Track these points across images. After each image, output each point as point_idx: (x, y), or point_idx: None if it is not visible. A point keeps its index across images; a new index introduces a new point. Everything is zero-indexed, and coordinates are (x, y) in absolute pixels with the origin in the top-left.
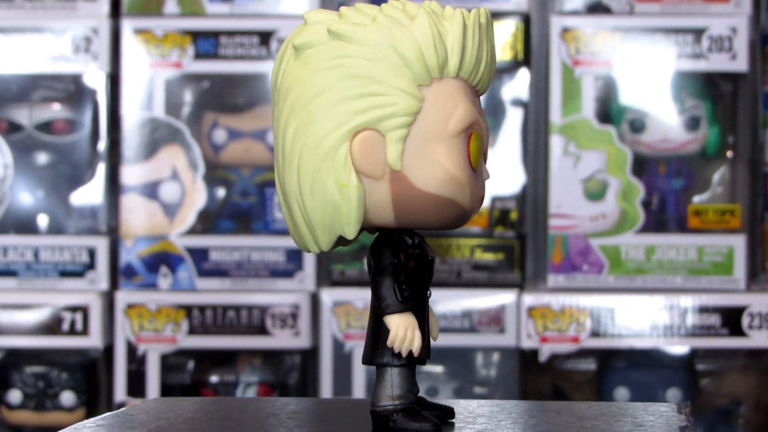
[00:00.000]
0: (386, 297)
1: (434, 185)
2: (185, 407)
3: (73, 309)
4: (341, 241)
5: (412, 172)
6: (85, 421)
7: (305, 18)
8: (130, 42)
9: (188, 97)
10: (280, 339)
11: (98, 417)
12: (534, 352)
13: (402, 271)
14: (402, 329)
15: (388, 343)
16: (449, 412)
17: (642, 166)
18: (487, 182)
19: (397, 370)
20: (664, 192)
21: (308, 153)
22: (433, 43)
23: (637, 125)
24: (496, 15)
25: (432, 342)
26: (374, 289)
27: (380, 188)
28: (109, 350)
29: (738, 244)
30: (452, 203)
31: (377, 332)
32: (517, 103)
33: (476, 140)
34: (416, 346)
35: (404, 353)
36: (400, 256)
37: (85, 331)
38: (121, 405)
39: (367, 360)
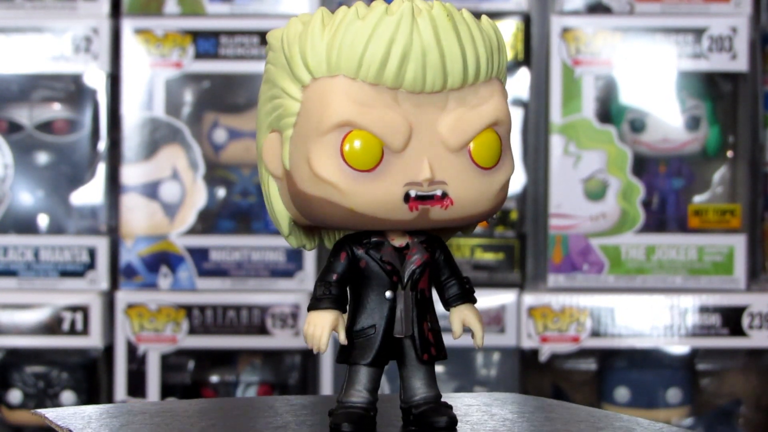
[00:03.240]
0: (312, 294)
1: (306, 184)
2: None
3: (74, 309)
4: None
5: (294, 171)
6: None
7: None
8: (130, 42)
9: (188, 97)
10: (280, 339)
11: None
12: (534, 352)
13: (336, 271)
14: (311, 327)
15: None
16: (450, 422)
17: (642, 166)
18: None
19: (352, 368)
20: (665, 192)
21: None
22: (308, 43)
23: (638, 125)
24: (497, 15)
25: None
26: None
27: (284, 187)
28: (109, 350)
29: (738, 243)
30: (329, 203)
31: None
32: (517, 102)
33: (357, 140)
34: (322, 344)
35: (315, 350)
36: (341, 255)
37: (85, 331)
38: None
39: (335, 357)
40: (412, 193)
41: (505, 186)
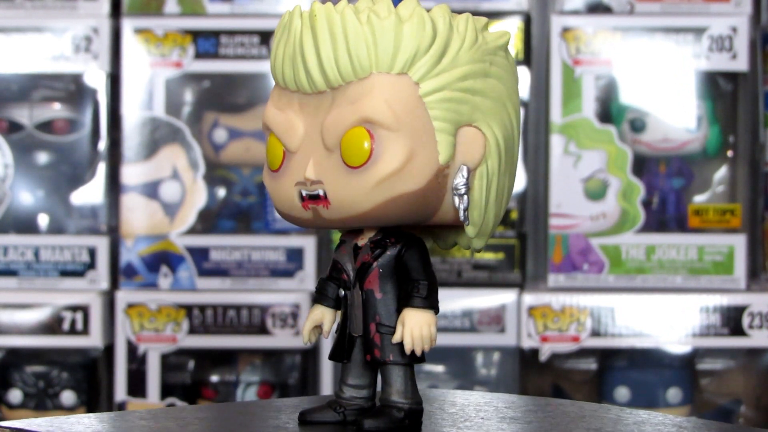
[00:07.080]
0: None
1: None
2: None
3: (74, 308)
4: None
5: None
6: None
7: None
8: (130, 41)
9: (188, 96)
10: (280, 338)
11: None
12: (534, 352)
13: (329, 269)
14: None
15: None
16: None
17: (642, 165)
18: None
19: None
20: (665, 191)
21: None
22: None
23: (638, 125)
24: (497, 15)
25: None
26: None
27: None
28: (109, 350)
29: (738, 243)
30: (273, 202)
31: None
32: None
33: (271, 142)
34: (303, 336)
35: None
36: (334, 252)
37: (85, 331)
38: (121, 404)
39: None
40: (303, 193)
41: (383, 184)
